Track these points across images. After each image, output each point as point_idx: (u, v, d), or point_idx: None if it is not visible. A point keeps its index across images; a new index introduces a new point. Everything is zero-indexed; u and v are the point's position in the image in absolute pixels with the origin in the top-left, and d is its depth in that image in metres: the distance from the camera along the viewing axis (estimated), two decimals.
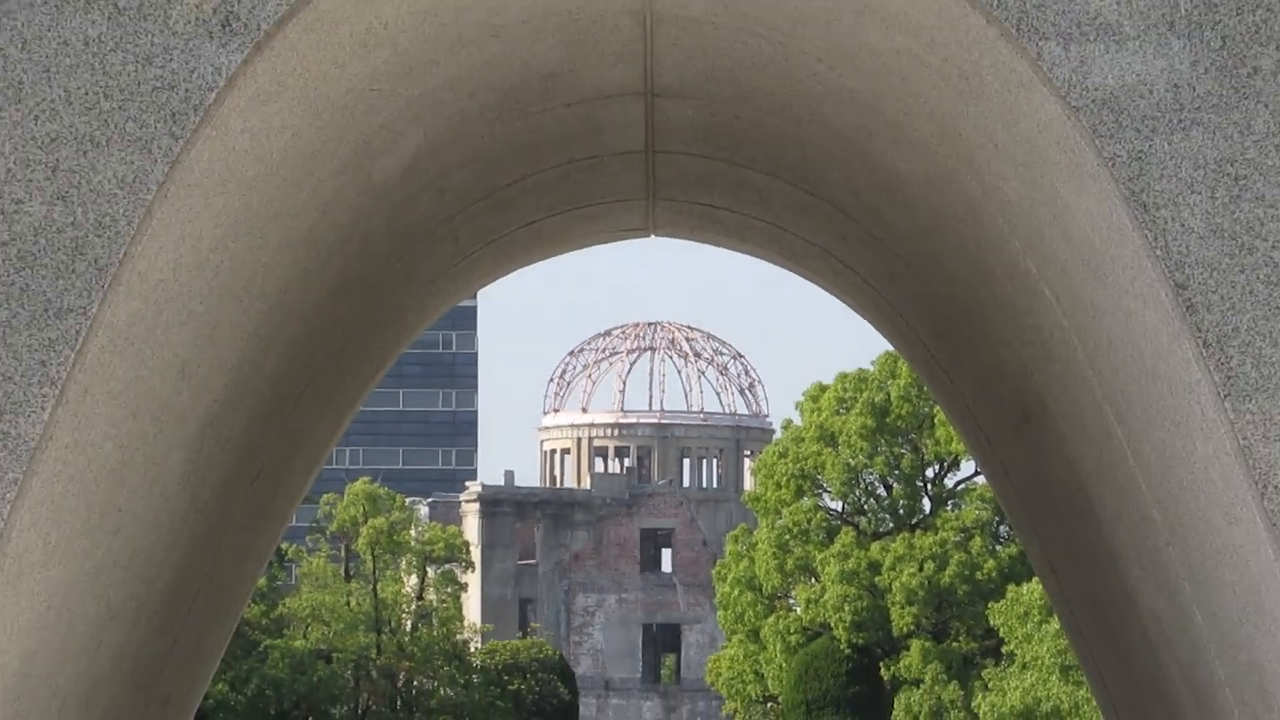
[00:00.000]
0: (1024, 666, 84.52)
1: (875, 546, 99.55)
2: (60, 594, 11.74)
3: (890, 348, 24.50)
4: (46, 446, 11.18)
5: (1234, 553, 11.23)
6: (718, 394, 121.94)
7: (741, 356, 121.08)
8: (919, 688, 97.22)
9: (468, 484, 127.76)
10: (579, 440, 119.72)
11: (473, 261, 16.35)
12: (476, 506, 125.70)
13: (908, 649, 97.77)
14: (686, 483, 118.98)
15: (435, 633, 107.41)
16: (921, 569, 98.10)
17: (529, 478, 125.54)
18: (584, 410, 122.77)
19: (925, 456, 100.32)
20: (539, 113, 12.99)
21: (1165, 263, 10.78)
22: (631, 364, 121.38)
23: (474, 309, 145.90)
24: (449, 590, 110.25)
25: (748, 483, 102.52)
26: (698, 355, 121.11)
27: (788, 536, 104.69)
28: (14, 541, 11.18)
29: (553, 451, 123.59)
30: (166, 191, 10.88)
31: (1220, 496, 11.20)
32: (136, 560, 12.73)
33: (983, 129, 11.56)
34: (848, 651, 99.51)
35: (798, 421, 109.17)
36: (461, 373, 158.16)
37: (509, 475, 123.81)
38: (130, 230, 10.96)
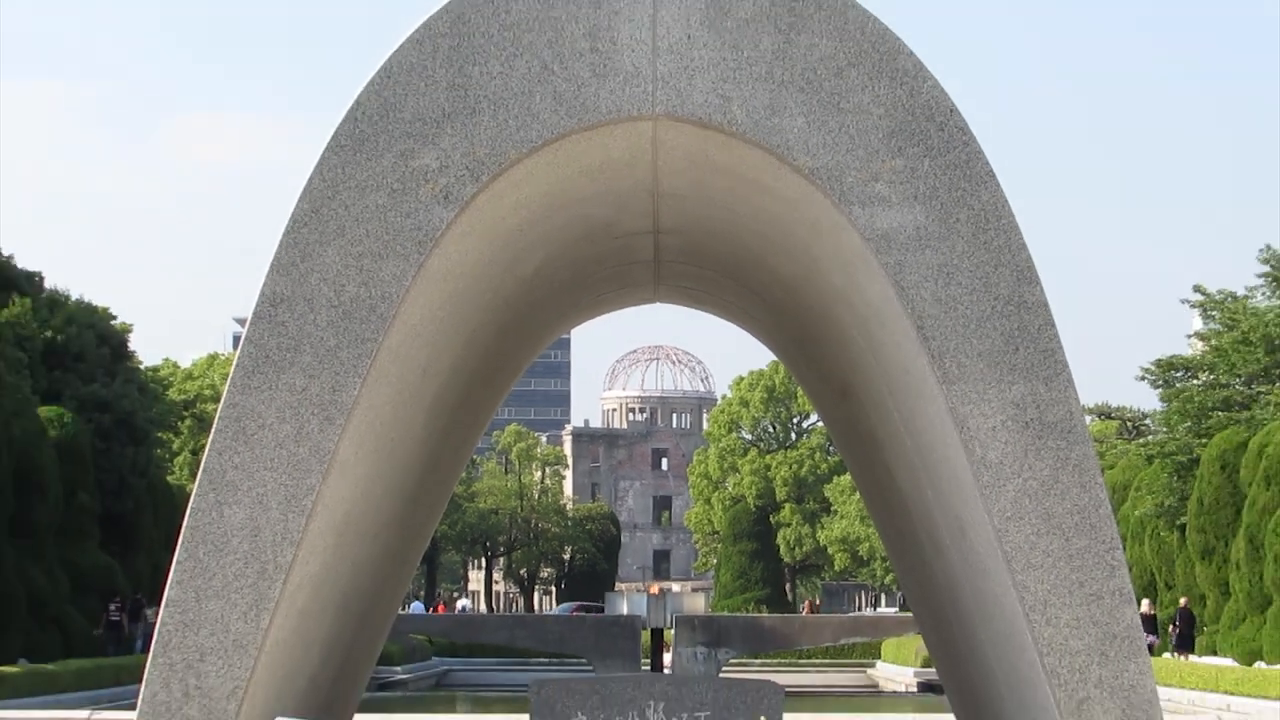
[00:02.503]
0: (841, 516, 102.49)
1: (768, 457, 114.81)
2: (341, 522, 11.44)
3: (775, 358, 22.89)
4: (340, 444, 10.85)
5: (953, 472, 11.15)
6: (689, 382, 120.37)
7: (701, 363, 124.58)
8: (789, 527, 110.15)
9: (566, 426, 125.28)
10: (621, 403, 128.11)
11: (566, 316, 17.47)
12: (570, 437, 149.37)
13: (783, 509, 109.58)
14: (674, 425, 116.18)
15: (549, 500, 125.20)
16: (790, 468, 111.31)
17: (595, 423, 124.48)
18: (624, 389, 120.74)
19: (793, 410, 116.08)
20: (599, 241, 14.14)
21: (910, 314, 11.01)
22: (646, 366, 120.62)
23: (569, 339, 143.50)
24: (555, 479, 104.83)
25: (705, 425, 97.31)
26: (680, 362, 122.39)
27: (724, 453, 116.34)
28: (328, 495, 10.83)
29: (608, 409, 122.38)
30: (416, 281, 11.08)
31: (947, 446, 11.06)
32: (389, 495, 12.74)
33: (824, 251, 12.27)
34: (753, 510, 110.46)
35: (729, 394, 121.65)
36: (562, 370, 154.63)
37: (586, 421, 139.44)
38: (398, 298, 11.04)
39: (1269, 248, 50.75)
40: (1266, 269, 50.92)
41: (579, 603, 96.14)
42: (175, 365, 71.57)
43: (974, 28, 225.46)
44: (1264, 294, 51.14)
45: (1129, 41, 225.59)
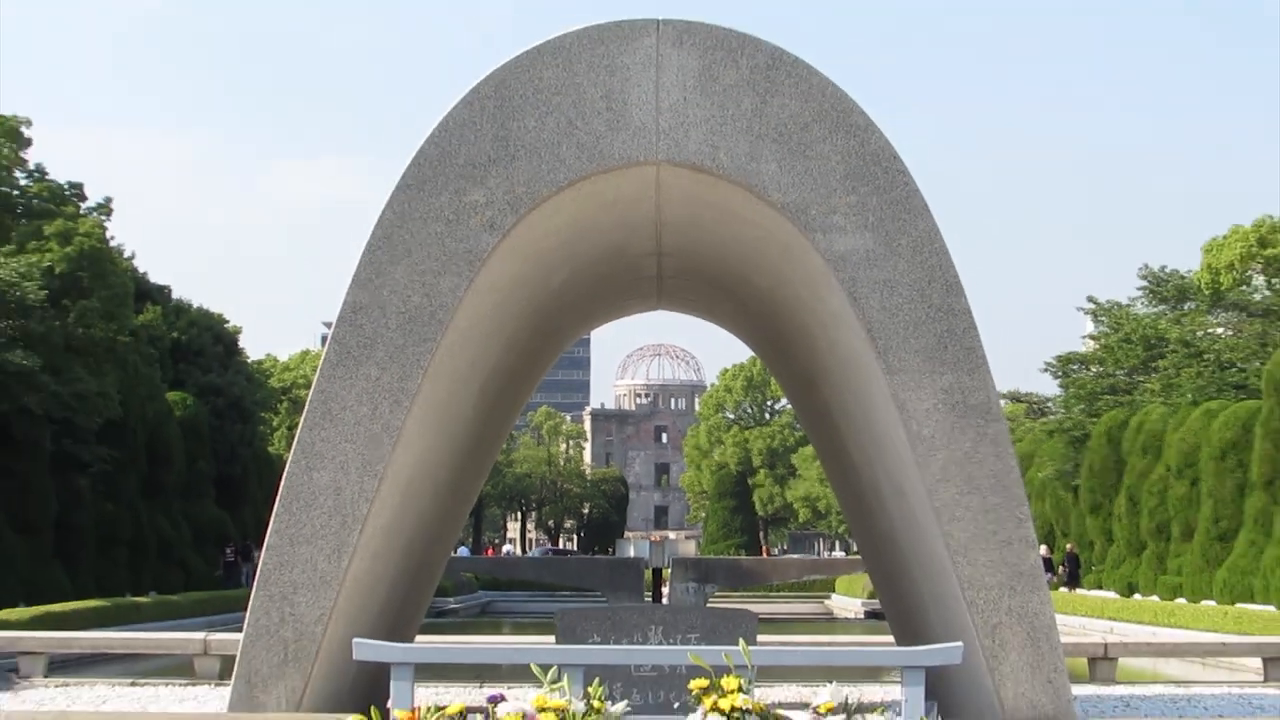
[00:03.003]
0: (804, 479, 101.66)
1: (747, 432, 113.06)
2: (406, 484, 11.47)
3: (754, 354, 22.10)
4: (406, 422, 10.86)
5: (894, 444, 11.19)
6: (684, 373, 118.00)
7: (694, 358, 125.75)
8: (762, 488, 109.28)
9: (586, 408, 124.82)
10: (630, 390, 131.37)
11: (585, 320, 17.70)
12: (589, 417, 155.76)
13: (758, 473, 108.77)
14: (672, 408, 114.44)
15: (571, 466, 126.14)
16: (764, 441, 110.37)
17: (609, 405, 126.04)
18: (632, 379, 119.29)
19: (767, 395, 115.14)
20: (613, 261, 14.21)
21: (861, 320, 11.07)
22: (650, 360, 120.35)
23: (589, 339, 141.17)
24: (577, 450, 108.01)
25: (697, 407, 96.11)
26: (677, 357, 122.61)
27: (712, 429, 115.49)
28: (396, 463, 10.83)
29: (620, 395, 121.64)
30: (466, 293, 11.11)
31: (890, 424, 11.06)
32: (444, 463, 12.70)
33: (793, 270, 12.26)
34: (734, 474, 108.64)
35: (716, 383, 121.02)
36: (583, 363, 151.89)
37: (602, 404, 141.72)
38: (452, 307, 11.00)
39: (1146, 266, 50.79)
40: (1144, 283, 51.15)
41: (551, 548, 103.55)
42: (275, 359, 71.69)
43: (909, 80, 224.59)
44: (1142, 303, 51.17)
45: (1032, 96, 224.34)
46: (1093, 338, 55.29)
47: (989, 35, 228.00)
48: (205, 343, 50.73)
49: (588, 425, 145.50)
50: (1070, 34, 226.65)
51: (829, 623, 44.04)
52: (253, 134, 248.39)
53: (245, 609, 10.94)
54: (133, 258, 44.51)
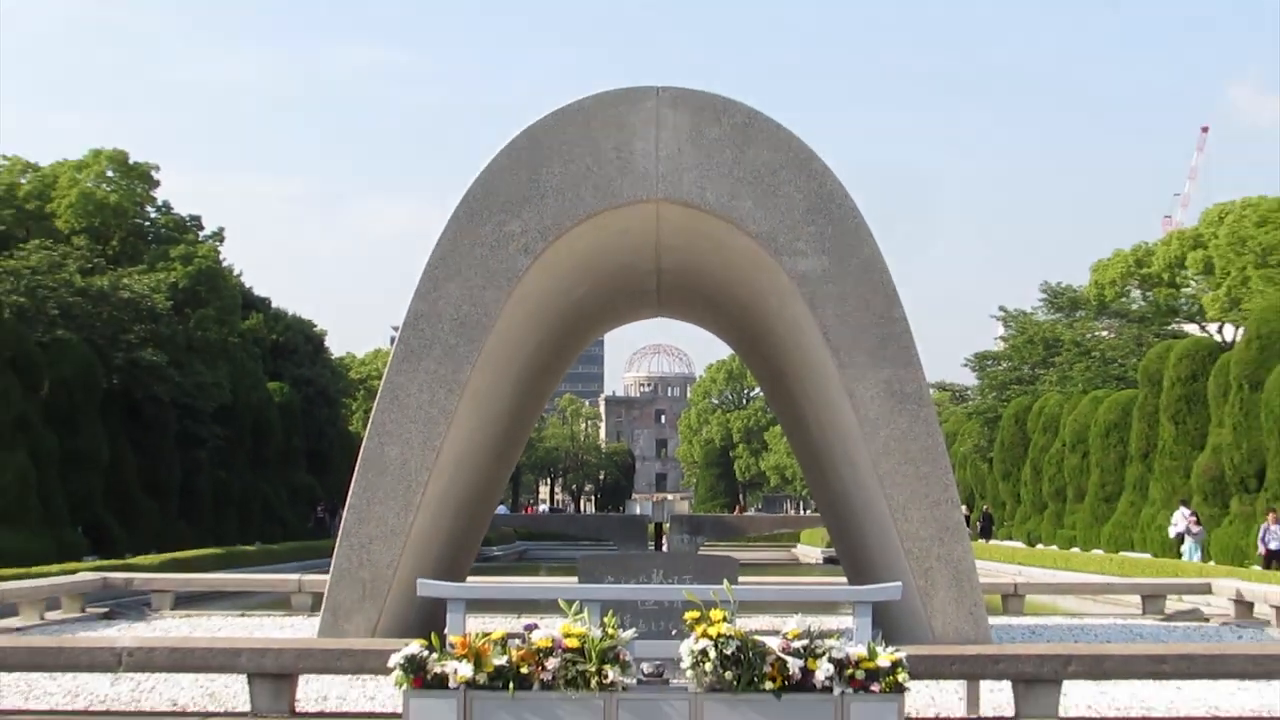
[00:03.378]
0: (774, 452, 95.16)
1: (728, 415, 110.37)
2: (457, 456, 11.38)
3: (733, 352, 21.24)
4: (458, 407, 10.79)
5: (846, 424, 11.14)
6: (679, 367, 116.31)
7: (686, 355, 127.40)
8: (741, 459, 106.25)
9: (601, 395, 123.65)
10: (635, 381, 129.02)
11: (600, 324, 17.65)
12: (604, 402, 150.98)
13: (737, 447, 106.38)
14: (669, 395, 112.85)
15: (589, 441, 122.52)
16: (742, 422, 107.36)
17: (619, 393, 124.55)
18: (637, 372, 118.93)
19: (744, 385, 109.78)
20: (622, 277, 14.38)
21: (819, 325, 11.13)
22: (652, 357, 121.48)
23: (603, 339, 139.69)
24: (594, 428, 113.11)
25: (689, 395, 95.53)
26: (673, 355, 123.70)
27: (700, 412, 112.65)
28: (450, 439, 10.73)
29: (627, 385, 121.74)
30: (505, 305, 11.10)
31: (842, 408, 10.95)
32: (488, 439, 12.74)
33: (766, 283, 12.26)
34: (718, 448, 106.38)
35: (704, 375, 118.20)
36: (598, 359, 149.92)
37: (614, 392, 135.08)
38: (495, 315, 11.02)
39: (1046, 282, 51.07)
40: (1044, 295, 51.42)
41: (555, 508, 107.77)
42: (353, 356, 71.56)
43: (859, 119, 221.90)
44: (1042, 312, 51.43)
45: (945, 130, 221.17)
46: (1003, 339, 55.37)
47: (923, 75, 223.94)
48: (298, 343, 50.52)
49: (602, 409, 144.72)
50: (975, 86, 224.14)
51: (795, 567, 43.93)
52: (337, 178, 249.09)
53: (332, 556, 10.89)
54: (240, 275, 44.54)
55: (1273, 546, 23.26)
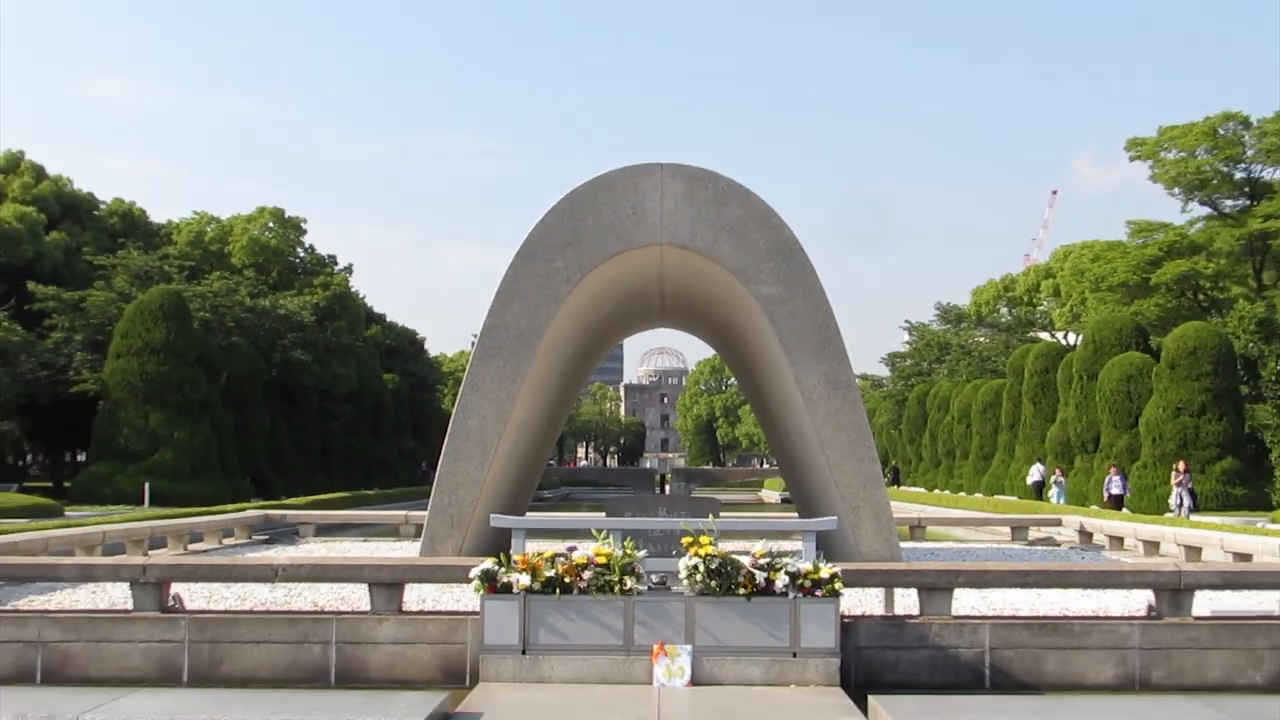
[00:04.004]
0: (746, 423, 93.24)
1: (712, 397, 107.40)
2: (519, 425, 11.35)
3: (716, 352, 20.34)
4: (519, 391, 10.61)
5: (796, 405, 10.98)
6: (677, 363, 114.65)
7: (682, 354, 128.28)
8: (721, 429, 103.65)
9: (621, 383, 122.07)
10: (645, 372, 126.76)
11: (620, 332, 16.97)
12: (623, 389, 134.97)
13: (719, 420, 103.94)
14: (669, 384, 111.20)
15: (613, 416, 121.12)
16: (722, 402, 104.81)
17: (634, 381, 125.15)
18: (646, 366, 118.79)
19: (724, 376, 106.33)
20: (636, 299, 14.24)
21: (776, 333, 11.07)
22: (656, 356, 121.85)
23: (623, 343, 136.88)
24: (616, 407, 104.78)
25: (684, 384, 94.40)
26: (672, 354, 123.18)
27: (692, 396, 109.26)
28: (513, 414, 10.53)
29: (639, 375, 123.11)
30: (553, 319, 10.96)
31: (793, 393, 10.66)
32: (541, 415, 12.53)
33: (739, 305, 12.21)
34: (705, 420, 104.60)
35: (694, 370, 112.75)
36: (618, 356, 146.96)
37: (631, 380, 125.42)
38: (545, 327, 10.94)
39: (939, 302, 51.30)
40: (938, 311, 51.66)
41: (573, 463, 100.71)
42: (445, 355, 72.15)
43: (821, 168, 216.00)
44: (936, 323, 51.53)
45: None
46: (908, 343, 55.54)
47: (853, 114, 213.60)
48: (405, 346, 50.98)
49: (622, 393, 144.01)
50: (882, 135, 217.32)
51: (761, 505, 43.96)
52: (431, 229, 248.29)
53: (429, 498, 10.84)
54: (364, 297, 44.80)
55: (1114, 492, 23.15)
